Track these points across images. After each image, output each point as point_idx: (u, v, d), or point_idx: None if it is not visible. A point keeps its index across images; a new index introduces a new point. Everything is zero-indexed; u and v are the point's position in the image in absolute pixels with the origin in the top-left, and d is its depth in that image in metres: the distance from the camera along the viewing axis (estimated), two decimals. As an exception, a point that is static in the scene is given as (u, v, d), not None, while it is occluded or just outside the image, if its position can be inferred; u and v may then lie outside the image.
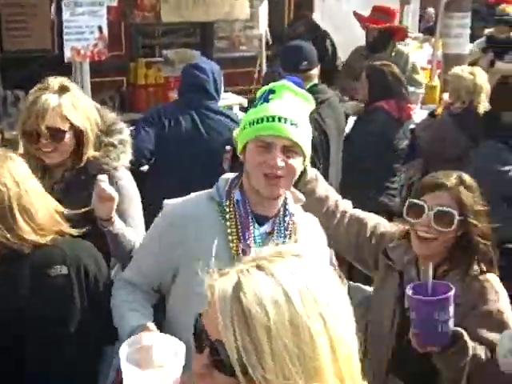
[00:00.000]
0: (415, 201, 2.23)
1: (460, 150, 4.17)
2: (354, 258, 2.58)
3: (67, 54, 4.60)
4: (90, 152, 2.58)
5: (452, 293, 1.96)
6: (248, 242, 2.03)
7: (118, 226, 2.47)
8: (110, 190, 2.39)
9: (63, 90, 2.56)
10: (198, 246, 2.02)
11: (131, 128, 4.00)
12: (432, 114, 5.41)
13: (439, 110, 5.25)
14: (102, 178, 2.40)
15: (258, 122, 2.00)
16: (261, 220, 2.08)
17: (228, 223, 2.05)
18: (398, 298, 2.29)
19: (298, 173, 2.08)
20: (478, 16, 7.44)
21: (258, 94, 2.11)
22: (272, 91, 2.05)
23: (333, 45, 7.04)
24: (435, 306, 1.94)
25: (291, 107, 2.03)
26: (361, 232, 2.48)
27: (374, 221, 2.51)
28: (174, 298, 2.15)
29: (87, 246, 2.26)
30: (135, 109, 6.62)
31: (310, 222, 2.23)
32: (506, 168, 3.92)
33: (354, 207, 2.60)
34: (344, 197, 2.63)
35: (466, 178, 2.28)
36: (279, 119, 1.98)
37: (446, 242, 2.22)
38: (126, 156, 2.65)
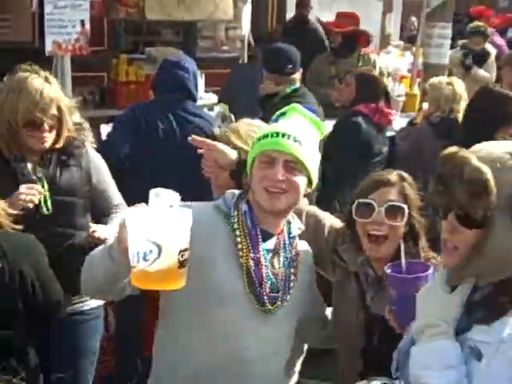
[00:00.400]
0: (363, 200, 2.24)
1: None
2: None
3: (48, 47, 4.55)
4: (65, 133, 2.77)
5: (431, 271, 1.98)
6: (258, 255, 2.06)
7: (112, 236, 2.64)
8: (104, 234, 2.67)
9: (48, 78, 2.73)
10: (201, 249, 1.98)
11: (110, 126, 3.99)
12: (411, 123, 5.45)
13: (418, 119, 5.29)
14: (94, 228, 2.71)
15: (263, 138, 2.09)
16: (265, 236, 2.10)
17: (237, 232, 2.06)
18: (359, 298, 2.30)
19: (302, 192, 2.10)
20: (455, 27, 7.57)
21: (272, 117, 2.22)
22: (282, 114, 2.16)
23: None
24: (416, 284, 1.96)
25: (297, 126, 2.10)
26: (319, 231, 2.46)
27: (331, 221, 2.51)
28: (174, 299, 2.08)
29: (28, 240, 2.26)
30: (116, 105, 6.57)
31: (306, 249, 2.26)
32: None
33: (334, 214, 2.59)
34: (326, 205, 2.61)
35: (405, 175, 2.34)
36: (283, 135, 2.05)
37: (396, 241, 2.24)
38: (91, 133, 2.90)
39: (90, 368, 3.01)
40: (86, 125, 2.88)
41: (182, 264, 1.59)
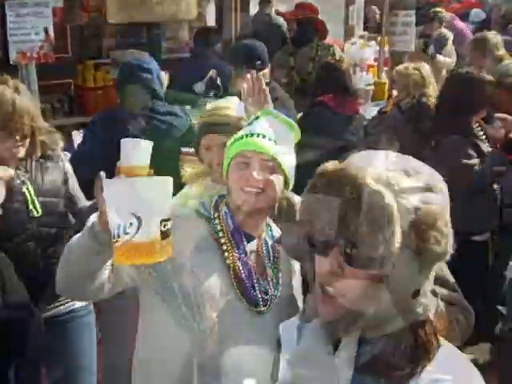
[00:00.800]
0: None
1: (413, 148, 4.20)
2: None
3: (12, 56, 4.50)
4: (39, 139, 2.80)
5: None
6: (243, 255, 2.05)
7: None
8: None
9: (17, 87, 2.71)
10: (185, 254, 1.97)
11: (80, 134, 3.93)
12: (381, 112, 5.49)
13: (389, 107, 5.33)
14: None
15: (238, 140, 2.09)
16: (247, 237, 2.10)
17: (220, 233, 2.06)
18: None
19: (279, 191, 2.10)
20: (417, 14, 7.66)
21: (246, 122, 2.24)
22: (256, 118, 2.16)
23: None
24: None
25: (271, 127, 2.10)
26: (290, 215, 2.43)
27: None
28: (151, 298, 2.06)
29: None
30: (85, 112, 6.51)
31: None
32: (471, 162, 3.90)
33: None
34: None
35: None
36: (258, 135, 2.06)
37: None
38: (59, 136, 2.93)
39: (88, 364, 3.02)
40: (53, 129, 2.93)
41: (164, 234, 1.54)
